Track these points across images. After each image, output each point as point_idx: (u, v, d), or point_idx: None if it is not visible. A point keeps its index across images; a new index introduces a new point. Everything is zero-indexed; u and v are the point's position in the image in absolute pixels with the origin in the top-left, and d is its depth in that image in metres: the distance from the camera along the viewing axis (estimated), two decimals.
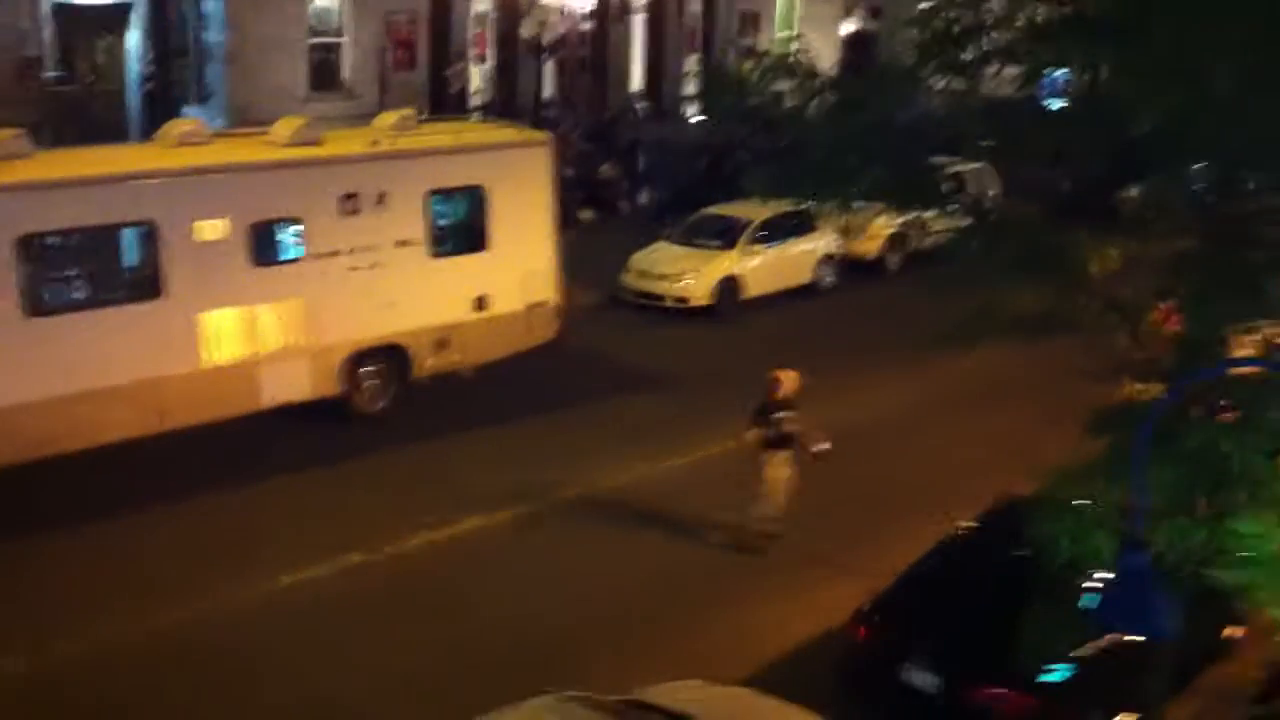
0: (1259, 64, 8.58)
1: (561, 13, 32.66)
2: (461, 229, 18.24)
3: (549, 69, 32.62)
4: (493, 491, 15.52)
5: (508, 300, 18.46)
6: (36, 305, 14.62)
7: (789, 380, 14.38)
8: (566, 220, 21.82)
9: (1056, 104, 12.31)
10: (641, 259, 23.62)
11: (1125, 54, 9.67)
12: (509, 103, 31.25)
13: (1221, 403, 9.07)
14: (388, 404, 17.62)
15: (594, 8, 33.87)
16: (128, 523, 14.35)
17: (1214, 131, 9.27)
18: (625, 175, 30.19)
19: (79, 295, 15.26)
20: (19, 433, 14.24)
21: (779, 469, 14.35)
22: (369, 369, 17.39)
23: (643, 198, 29.95)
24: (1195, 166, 10.63)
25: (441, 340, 17.87)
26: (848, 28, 38.47)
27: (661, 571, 14.03)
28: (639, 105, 34.54)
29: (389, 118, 18.62)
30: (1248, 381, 8.91)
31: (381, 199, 17.10)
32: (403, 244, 17.33)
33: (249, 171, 16.40)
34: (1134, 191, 14.77)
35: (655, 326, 22.38)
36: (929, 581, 11.67)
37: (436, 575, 13.71)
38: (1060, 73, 11.73)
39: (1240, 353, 10.26)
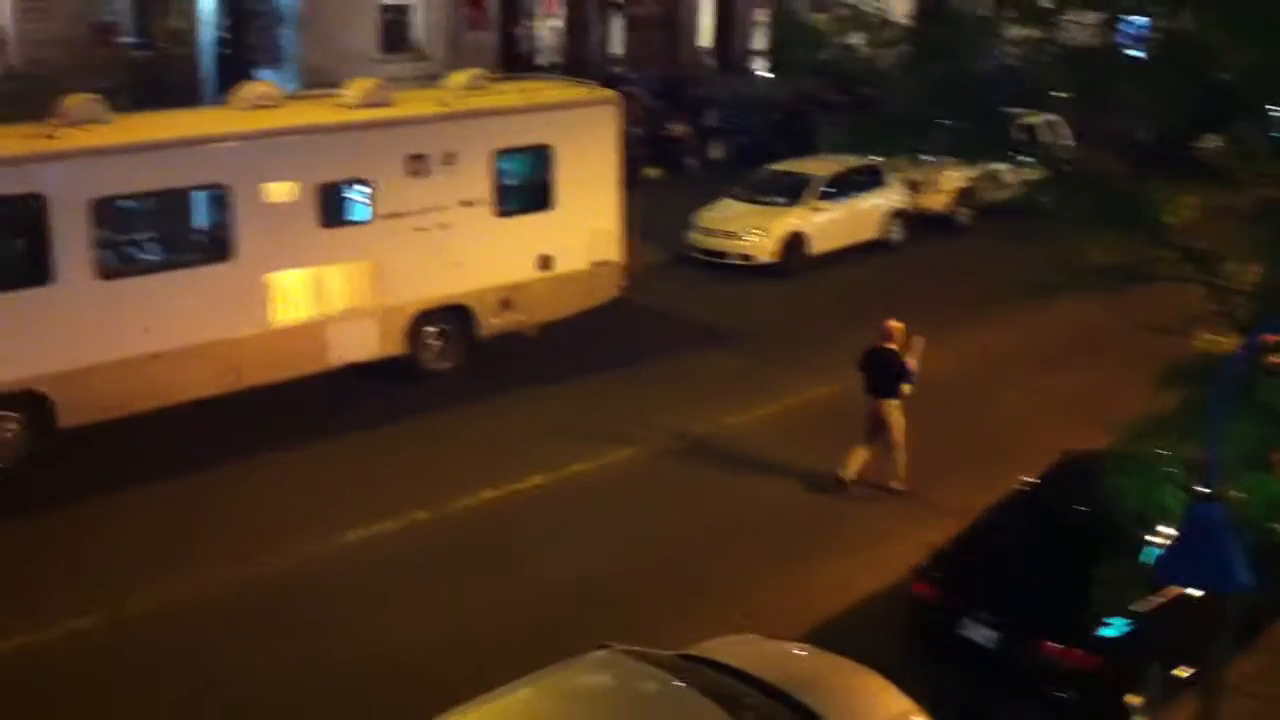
0: None
1: None
2: (527, 188, 18.21)
3: (617, 26, 32.44)
4: (557, 450, 15.53)
5: (572, 259, 18.43)
6: (110, 267, 14.81)
7: (899, 329, 14.52)
8: (633, 178, 21.74)
9: (1136, 52, 12.01)
10: (708, 216, 23.46)
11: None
12: (578, 60, 31.12)
13: None
14: (455, 363, 17.68)
15: None
16: (200, 480, 14.55)
17: None
18: (694, 132, 29.98)
19: (152, 257, 15.48)
20: (96, 392, 14.49)
21: (900, 415, 14.56)
22: (435, 328, 17.45)
23: (714, 153, 29.72)
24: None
25: (506, 299, 17.88)
26: None
27: (728, 525, 13.98)
28: (708, 61, 34.24)
29: (459, 78, 18.62)
30: None
31: (449, 159, 17.10)
32: (469, 204, 17.33)
33: (318, 134, 16.46)
34: (1213, 141, 14.43)
35: (723, 283, 22.25)
36: (990, 538, 11.55)
37: (501, 532, 13.76)
38: (1141, 20, 11.43)
39: None
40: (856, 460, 14.74)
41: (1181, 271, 9.93)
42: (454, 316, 17.57)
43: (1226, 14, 9.38)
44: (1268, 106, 10.32)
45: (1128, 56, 11.66)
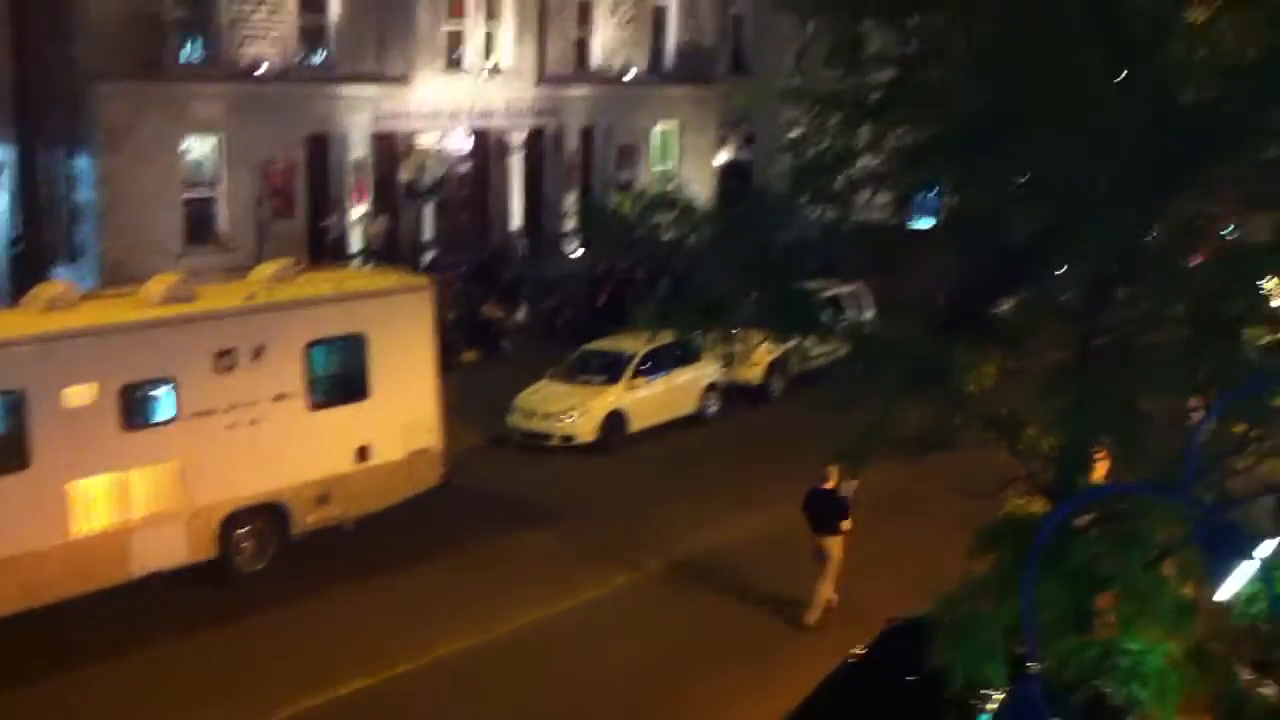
0: (1124, 178, 8.77)
1: (439, 155, 32.81)
2: (342, 378, 17.94)
3: (429, 211, 32.64)
4: (380, 648, 15.01)
5: (391, 449, 18.12)
6: None
7: (836, 471, 15.51)
8: (450, 362, 21.62)
9: (927, 222, 12.51)
10: (526, 398, 23.42)
11: (994, 171, 9.84)
12: (389, 247, 31.13)
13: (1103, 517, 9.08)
14: (268, 563, 17.06)
15: (471, 149, 34.09)
16: None
17: (1083, 243, 9.42)
18: (510, 314, 30.12)
19: None
20: None
21: (840, 550, 15.81)
22: (247, 529, 16.86)
23: (530, 333, 29.83)
24: (1065, 277, 10.80)
25: (322, 494, 17.43)
26: (723, 158, 39.14)
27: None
28: (520, 243, 34.64)
29: (266, 269, 18.39)
30: (1127, 498, 8.93)
31: (259, 353, 16.76)
32: (281, 397, 16.96)
33: (117, 333, 15.99)
34: (1009, 305, 15.08)
35: (543, 464, 22.12)
36: (823, 714, 11.47)
37: None
38: (931, 193, 11.94)
39: (1104, 464, 10.33)
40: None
41: (985, 437, 10.20)
42: (267, 515, 17.02)
43: (1006, 188, 9.85)
44: (1053, 271, 10.79)
45: (919, 230, 12.15)
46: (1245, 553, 6.08)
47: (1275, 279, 10.42)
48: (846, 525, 15.81)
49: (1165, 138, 8.73)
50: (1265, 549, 6.28)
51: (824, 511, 15.82)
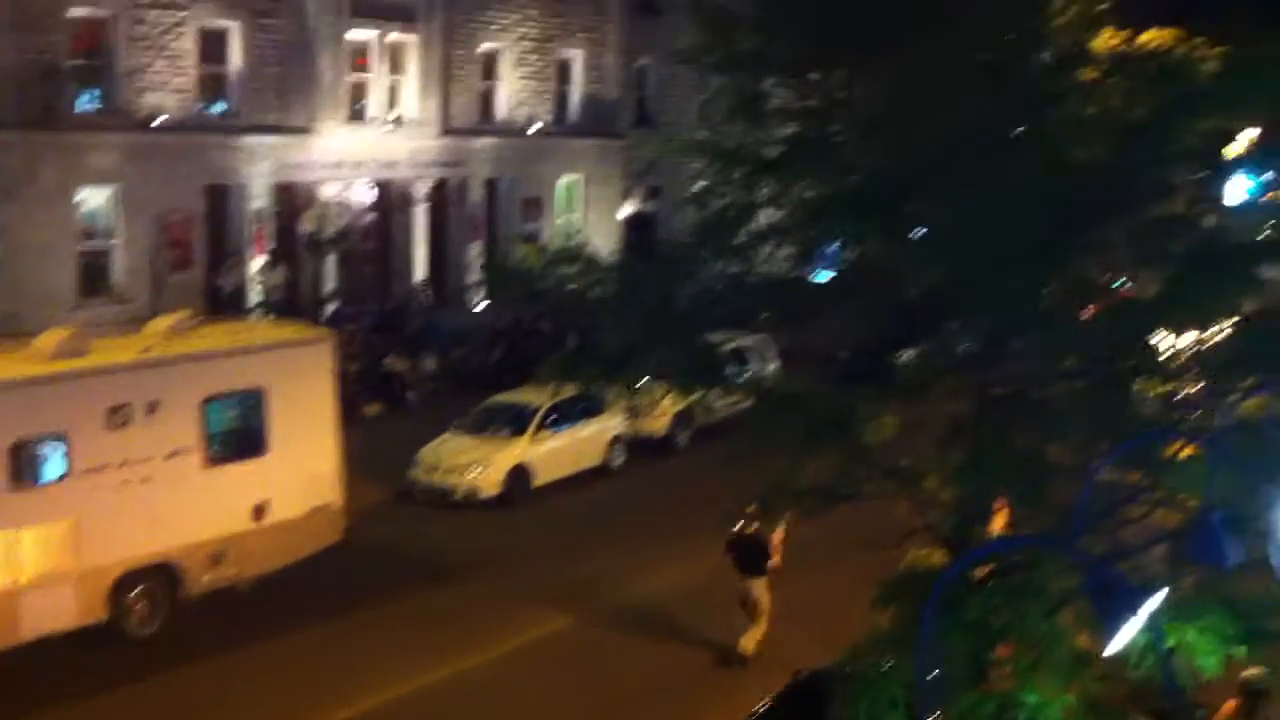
0: (1019, 236, 8.90)
1: (342, 206, 32.56)
2: (239, 434, 17.60)
3: (331, 262, 32.33)
4: (273, 715, 14.67)
5: (289, 506, 17.79)
6: None
7: (759, 513, 15.25)
8: (352, 415, 21.33)
9: (829, 274, 12.63)
10: (430, 452, 23.16)
11: (890, 228, 9.98)
12: (290, 299, 30.75)
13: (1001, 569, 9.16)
14: (161, 625, 16.61)
15: (375, 200, 33.90)
16: None
17: (978, 299, 9.56)
18: (413, 365, 29.86)
19: None
20: None
21: (766, 592, 16.14)
22: (140, 589, 16.40)
23: (435, 385, 29.59)
24: (962, 330, 10.94)
25: (217, 554, 17.04)
26: (628, 210, 39.32)
27: None
28: (424, 294, 34.42)
29: (162, 322, 18.06)
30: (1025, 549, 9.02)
31: (153, 408, 16.40)
32: (175, 454, 16.59)
33: (8, 389, 15.55)
34: (909, 356, 15.25)
35: (447, 520, 21.85)
36: None
37: None
38: (833, 247, 12.06)
39: (1003, 515, 10.46)
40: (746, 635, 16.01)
41: (886, 489, 10.27)
42: (160, 576, 16.59)
43: (903, 244, 9.98)
44: (950, 324, 10.93)
45: (819, 282, 12.25)
46: (1133, 606, 6.14)
47: (1165, 332, 10.67)
48: (774, 564, 16.08)
49: (1058, 196, 8.91)
50: (1152, 603, 6.34)
51: (749, 555, 16.04)
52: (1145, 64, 9.70)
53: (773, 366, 25.15)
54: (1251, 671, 10.19)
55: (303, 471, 17.98)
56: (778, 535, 15.79)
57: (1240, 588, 8.98)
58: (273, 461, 17.69)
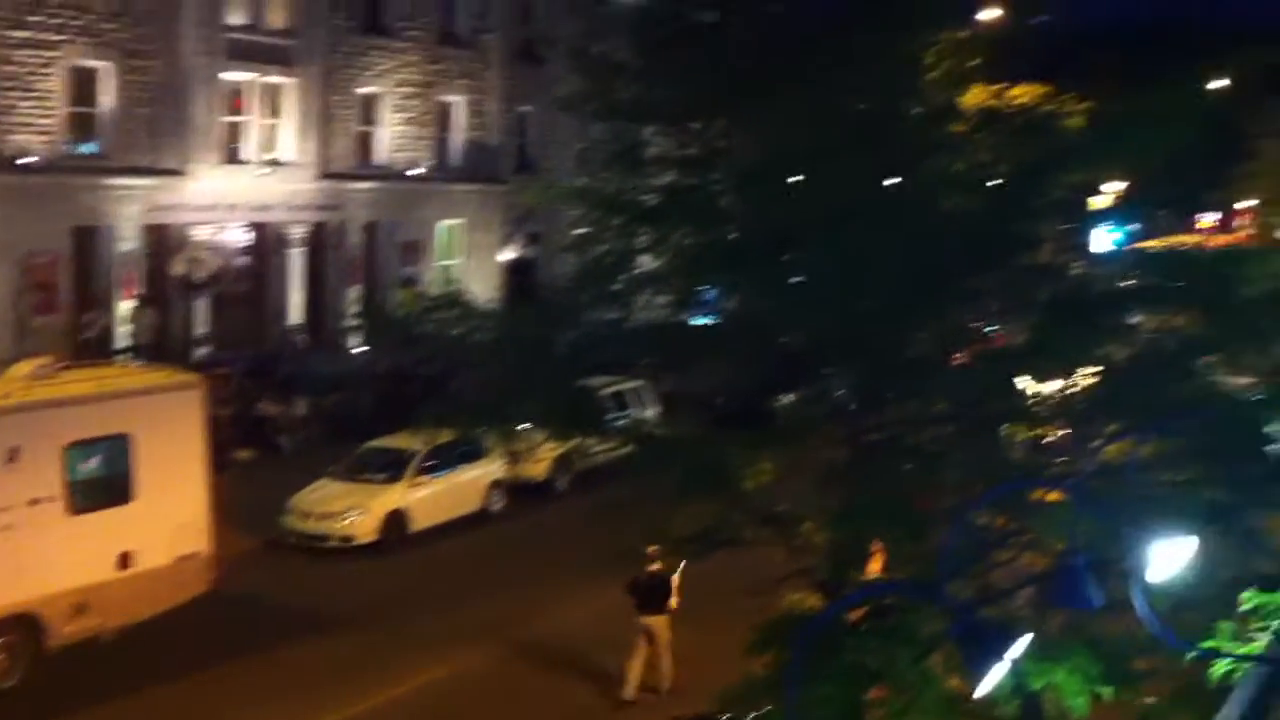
0: (891, 287, 9.07)
1: (215, 249, 32.01)
2: (104, 481, 17.08)
3: (203, 306, 31.72)
4: None
5: (156, 554, 17.28)
6: None
7: (658, 552, 15.51)
8: (223, 461, 20.87)
9: (708, 320, 12.74)
10: (303, 499, 22.73)
11: (766, 278, 10.09)
12: (160, 343, 30.08)
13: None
14: (21, 678, 15.99)
15: (250, 243, 33.39)
16: None
17: (852, 349, 9.71)
18: (287, 410, 29.35)
19: None
20: None
21: (668, 629, 16.27)
22: None
23: (309, 430, 29.12)
24: (837, 377, 11.09)
25: (81, 604, 16.48)
26: (508, 255, 39.27)
27: None
28: (299, 339, 33.93)
29: (23, 367, 17.48)
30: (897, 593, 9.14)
31: (13, 455, 15.86)
32: (37, 502, 16.04)
33: None
34: (787, 402, 15.40)
35: (321, 567, 21.44)
36: None
37: None
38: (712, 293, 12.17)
39: (879, 559, 10.59)
40: (634, 676, 16.13)
41: (763, 535, 10.33)
42: (20, 627, 15.99)
43: (779, 293, 10.10)
44: (825, 371, 11.08)
45: (697, 328, 12.35)
46: (1001, 649, 6.23)
47: (1032, 379, 10.93)
48: (674, 603, 16.13)
49: (930, 248, 9.10)
50: (1017, 647, 6.45)
51: (652, 594, 16.12)
52: (1012, 120, 9.99)
53: (652, 411, 25.20)
54: None
55: (170, 519, 17.51)
56: (677, 576, 15.87)
57: (1105, 629, 9.18)
58: (139, 509, 17.21)
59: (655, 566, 15.89)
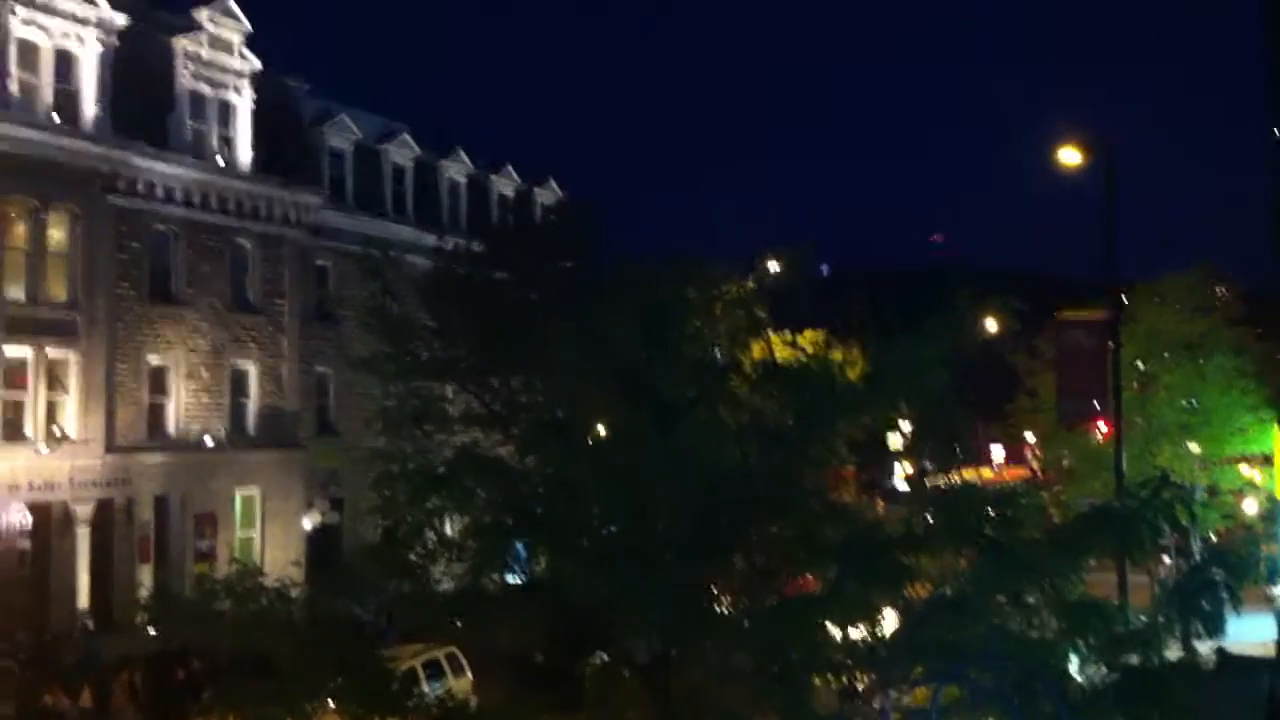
0: (673, 545, 9.06)
1: None
2: None
3: None
4: None
5: None
6: None
7: None
8: None
9: (516, 579, 12.52)
10: None
11: (557, 542, 9.99)
12: None
13: None
14: None
15: (31, 524, 31.75)
16: None
17: (644, 604, 9.59)
18: (74, 701, 27.46)
19: None
20: None
21: None
22: None
23: None
24: (638, 635, 10.94)
25: None
26: (309, 522, 38.18)
27: None
28: (86, 622, 32.06)
29: None
30: None
31: None
32: None
33: None
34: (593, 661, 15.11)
35: None
36: None
37: None
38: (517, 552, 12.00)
39: None
40: None
41: None
42: None
43: (570, 555, 10.01)
44: (625, 630, 10.93)
45: (496, 593, 12.13)
46: None
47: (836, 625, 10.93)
48: None
49: (715, 500, 9.16)
50: None
51: None
52: (793, 375, 10.26)
53: (466, 677, 24.43)
54: None
55: None
56: None
57: None
58: None
59: None
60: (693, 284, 11.21)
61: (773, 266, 18.35)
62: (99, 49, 32.36)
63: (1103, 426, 33.76)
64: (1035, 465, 52.56)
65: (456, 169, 45.68)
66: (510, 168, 48.16)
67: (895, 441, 21.05)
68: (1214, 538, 38.26)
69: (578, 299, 11.12)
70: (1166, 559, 34.71)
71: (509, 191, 47.83)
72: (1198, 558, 26.35)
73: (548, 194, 48.89)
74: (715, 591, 10.07)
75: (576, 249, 12.90)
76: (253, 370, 37.45)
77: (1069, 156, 21.50)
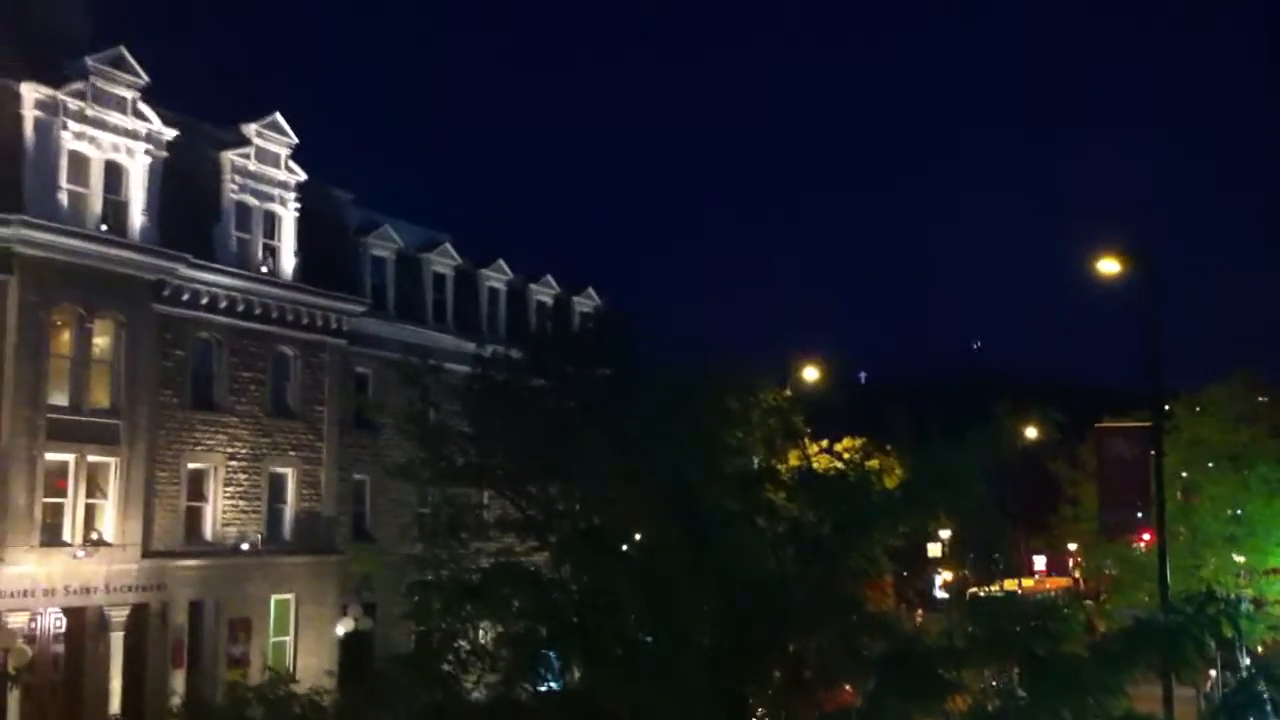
0: (709, 653, 8.96)
1: (29, 636, 30.31)
2: None
3: (14, 698, 29.73)
4: None
5: None
6: None
7: None
8: None
9: (552, 687, 12.40)
10: None
11: (590, 652, 9.90)
12: None
13: None
14: None
15: (65, 628, 31.72)
16: None
17: (680, 715, 9.45)
18: None
19: None
20: None
21: None
22: None
23: None
24: None
25: None
26: (343, 628, 37.97)
27: None
28: None
29: None
30: None
31: None
32: None
33: None
34: None
35: None
36: None
37: None
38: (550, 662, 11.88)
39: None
40: None
41: None
42: None
43: (605, 665, 9.90)
44: None
45: (528, 704, 11.99)
46: None
47: None
48: None
49: (744, 614, 9.06)
50: None
51: None
52: (831, 483, 10.20)
53: None
54: None
55: None
56: None
57: None
58: None
59: None
60: (731, 393, 11.21)
61: (809, 373, 18.34)
62: (148, 161, 33.02)
63: (1146, 536, 33.32)
64: (1077, 574, 51.78)
65: (496, 278, 46.12)
66: (549, 277, 48.58)
67: (935, 550, 20.85)
68: (1260, 650, 37.45)
69: (616, 407, 11.14)
70: (1212, 672, 33.97)
71: (548, 299, 48.19)
72: (1244, 671, 25.80)
73: (585, 302, 49.26)
74: (751, 703, 9.92)
75: (614, 357, 12.96)
76: (291, 476, 37.56)
77: (1108, 266, 21.51)
